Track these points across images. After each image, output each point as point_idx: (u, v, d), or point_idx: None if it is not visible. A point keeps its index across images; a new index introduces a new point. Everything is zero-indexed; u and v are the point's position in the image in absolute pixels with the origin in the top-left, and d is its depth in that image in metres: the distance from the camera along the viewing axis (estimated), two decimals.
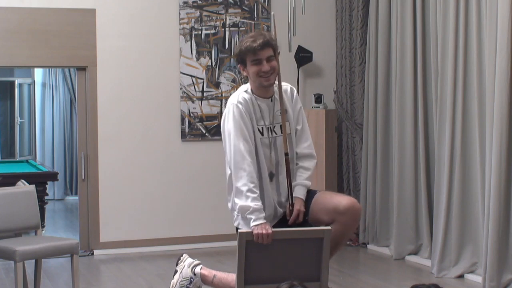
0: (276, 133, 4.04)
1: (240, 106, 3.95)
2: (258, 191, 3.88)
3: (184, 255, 4.47)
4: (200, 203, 7.39)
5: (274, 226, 3.98)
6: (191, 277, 4.31)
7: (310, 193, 4.13)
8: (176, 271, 4.40)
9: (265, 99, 4.05)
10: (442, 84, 6.11)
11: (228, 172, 4.02)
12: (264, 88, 4.02)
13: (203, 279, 4.29)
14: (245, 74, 4.06)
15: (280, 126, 4.05)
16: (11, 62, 7.09)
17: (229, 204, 4.09)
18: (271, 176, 4.03)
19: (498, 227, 5.38)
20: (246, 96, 4.01)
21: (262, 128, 4.01)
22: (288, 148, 4.05)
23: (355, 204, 3.99)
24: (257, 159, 3.96)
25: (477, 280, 5.77)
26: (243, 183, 3.85)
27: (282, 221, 4.08)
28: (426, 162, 6.54)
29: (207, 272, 4.30)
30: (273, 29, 4.18)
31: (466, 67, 5.88)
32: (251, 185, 3.85)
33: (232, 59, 7.45)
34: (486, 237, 5.50)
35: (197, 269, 4.31)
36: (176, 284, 4.35)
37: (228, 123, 3.96)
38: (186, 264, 4.36)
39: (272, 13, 4.27)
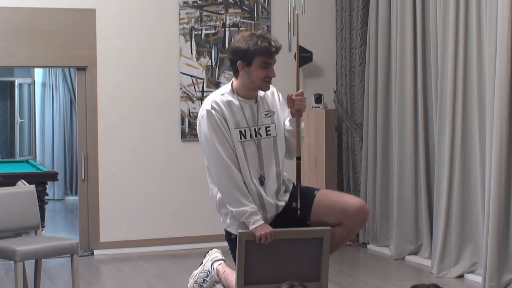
0: (261, 135, 3.90)
1: (213, 111, 3.79)
2: (249, 194, 3.82)
3: (214, 249, 4.51)
4: (200, 203, 7.38)
5: (275, 222, 3.95)
6: (208, 271, 4.36)
7: (309, 192, 4.01)
8: (201, 263, 4.46)
9: (249, 100, 3.90)
10: (442, 84, 6.10)
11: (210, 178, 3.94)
12: (253, 90, 3.88)
13: (218, 274, 4.33)
14: (243, 72, 3.82)
15: (266, 128, 3.92)
16: (11, 62, 7.09)
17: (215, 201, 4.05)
18: (261, 180, 3.90)
19: (498, 227, 5.38)
20: (222, 98, 3.84)
21: (245, 130, 3.86)
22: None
23: (365, 206, 3.93)
24: (241, 164, 3.83)
25: (477, 280, 5.77)
26: (231, 191, 3.81)
27: (283, 220, 4.00)
28: (426, 162, 6.54)
29: (221, 268, 4.33)
30: (295, 29, 4.06)
31: (466, 67, 5.88)
32: (240, 191, 3.80)
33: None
34: (486, 237, 5.50)
35: (216, 265, 4.35)
36: (196, 275, 4.43)
37: (204, 129, 3.83)
38: (210, 258, 4.42)
39: (296, 12, 4.12)
